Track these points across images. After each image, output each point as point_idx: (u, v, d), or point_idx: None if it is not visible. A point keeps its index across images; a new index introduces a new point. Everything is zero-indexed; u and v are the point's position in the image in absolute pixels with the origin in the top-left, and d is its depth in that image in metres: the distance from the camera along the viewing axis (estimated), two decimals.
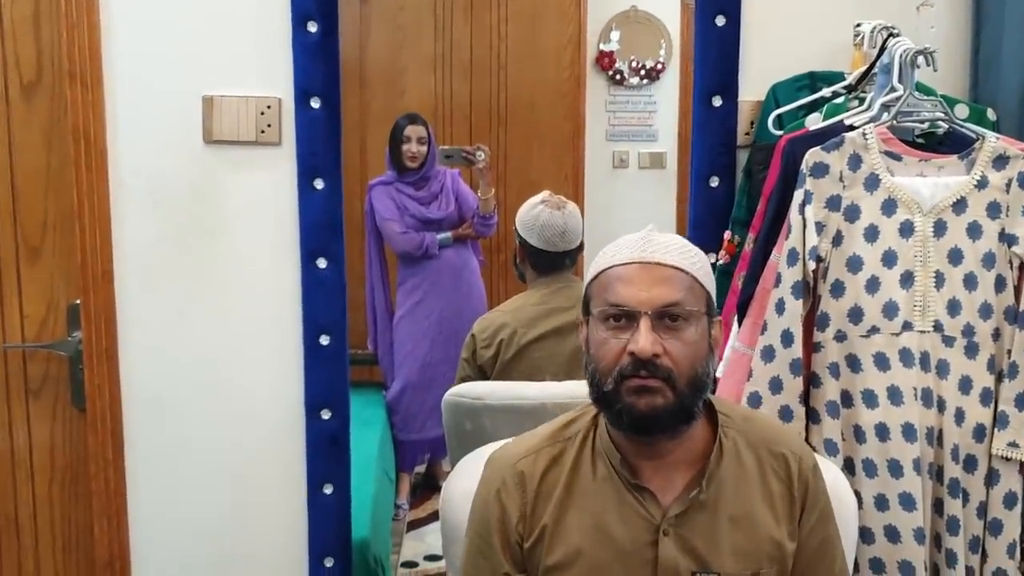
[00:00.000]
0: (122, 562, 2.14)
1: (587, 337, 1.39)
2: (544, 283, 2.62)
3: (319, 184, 2.03)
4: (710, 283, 1.40)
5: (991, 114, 2.06)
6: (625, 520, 1.37)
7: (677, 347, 1.31)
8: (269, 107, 2.03)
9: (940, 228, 1.83)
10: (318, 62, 2.00)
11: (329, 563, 2.14)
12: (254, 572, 2.17)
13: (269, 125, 2.04)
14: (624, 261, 1.35)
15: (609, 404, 1.34)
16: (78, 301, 2.07)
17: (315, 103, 2.01)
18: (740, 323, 1.97)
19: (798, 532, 1.40)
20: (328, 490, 2.12)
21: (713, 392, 1.85)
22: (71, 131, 2.00)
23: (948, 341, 1.84)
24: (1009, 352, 1.85)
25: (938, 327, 1.83)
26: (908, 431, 1.81)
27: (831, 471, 1.76)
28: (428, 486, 4.07)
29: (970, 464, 1.85)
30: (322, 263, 2.05)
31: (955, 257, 1.84)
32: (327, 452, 2.11)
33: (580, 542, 1.37)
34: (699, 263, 1.39)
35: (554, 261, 2.60)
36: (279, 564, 2.17)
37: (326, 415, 2.10)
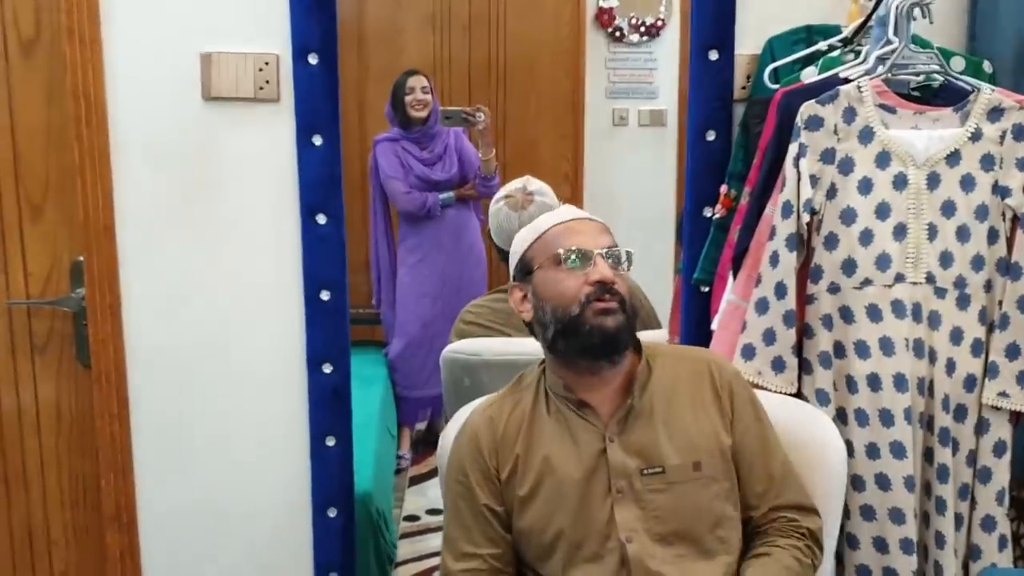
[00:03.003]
0: (129, 515, 2.17)
1: (532, 292, 1.64)
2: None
3: (317, 140, 2.04)
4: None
5: (987, 66, 2.06)
6: (576, 438, 1.60)
7: (620, 282, 1.60)
8: (267, 63, 2.04)
9: (933, 180, 1.85)
10: (315, 18, 2.00)
11: (332, 513, 2.18)
12: (259, 523, 2.21)
13: (268, 81, 2.04)
14: (564, 219, 1.65)
15: (576, 328, 1.57)
16: (81, 258, 2.09)
17: (313, 59, 2.01)
18: (735, 276, 1.99)
19: (732, 429, 1.62)
20: (330, 442, 2.15)
21: (708, 344, 1.94)
22: (70, 89, 2.01)
23: (940, 293, 1.86)
24: (1000, 303, 1.87)
25: (930, 279, 1.85)
26: (899, 381, 1.84)
27: (821, 420, 1.80)
28: (429, 442, 4.11)
29: (960, 414, 1.88)
30: (321, 219, 2.07)
31: (948, 209, 1.85)
32: (329, 405, 2.14)
33: (544, 467, 1.59)
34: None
35: None
36: (283, 514, 2.20)
37: (327, 369, 2.13)
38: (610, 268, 1.58)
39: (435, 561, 3.24)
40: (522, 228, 2.37)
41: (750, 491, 1.62)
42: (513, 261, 1.71)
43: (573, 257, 1.58)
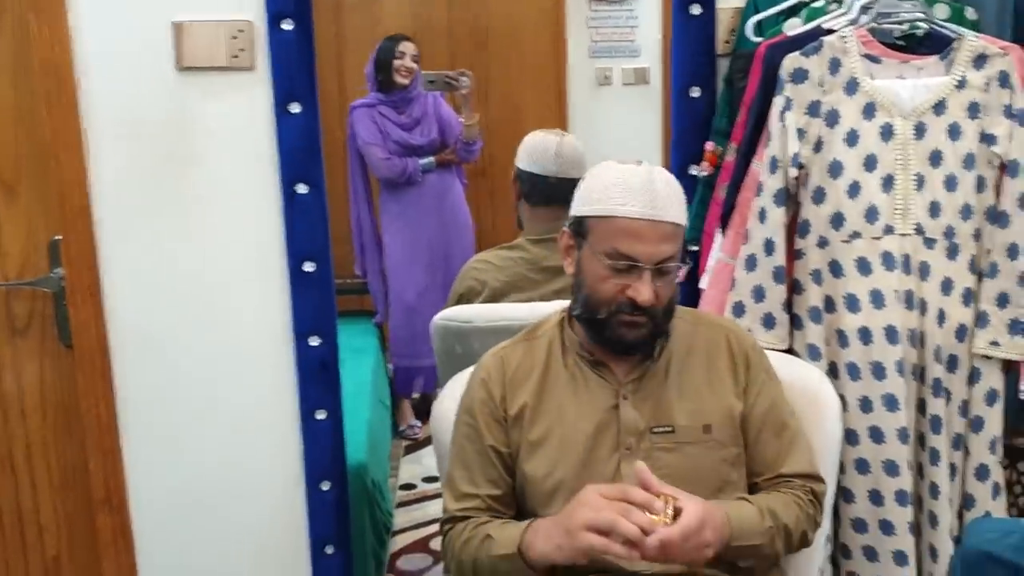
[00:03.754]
0: (119, 496, 2.15)
1: (580, 259, 1.59)
2: (538, 227, 2.37)
3: (295, 108, 2.00)
4: (687, 217, 1.61)
5: (971, 13, 2.02)
6: (592, 392, 1.60)
7: (664, 289, 1.54)
8: (241, 31, 1.99)
9: (920, 130, 1.83)
10: None
11: (326, 487, 2.16)
12: (252, 499, 2.19)
13: (242, 49, 2.00)
14: (634, 216, 1.52)
15: (599, 328, 1.56)
16: (58, 237, 2.06)
17: (287, 25, 1.97)
18: (723, 234, 1.98)
19: (745, 397, 1.61)
20: (321, 415, 2.14)
21: (698, 303, 1.92)
22: (38, 64, 1.96)
23: (929, 243, 1.85)
24: (989, 252, 1.86)
25: (919, 229, 1.84)
26: (891, 333, 1.83)
27: (814, 375, 1.79)
28: (424, 411, 4.11)
29: (952, 364, 1.88)
30: (302, 189, 2.03)
31: (935, 159, 1.83)
32: (318, 378, 2.12)
33: (556, 417, 1.59)
34: (683, 205, 1.58)
35: (546, 191, 2.34)
36: (276, 490, 2.19)
37: (314, 341, 2.10)
38: (653, 286, 1.51)
39: (433, 528, 3.24)
40: (564, 148, 2.35)
41: (758, 459, 1.61)
42: (574, 206, 1.61)
43: (621, 264, 1.52)
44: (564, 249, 1.64)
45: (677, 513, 1.39)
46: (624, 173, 1.55)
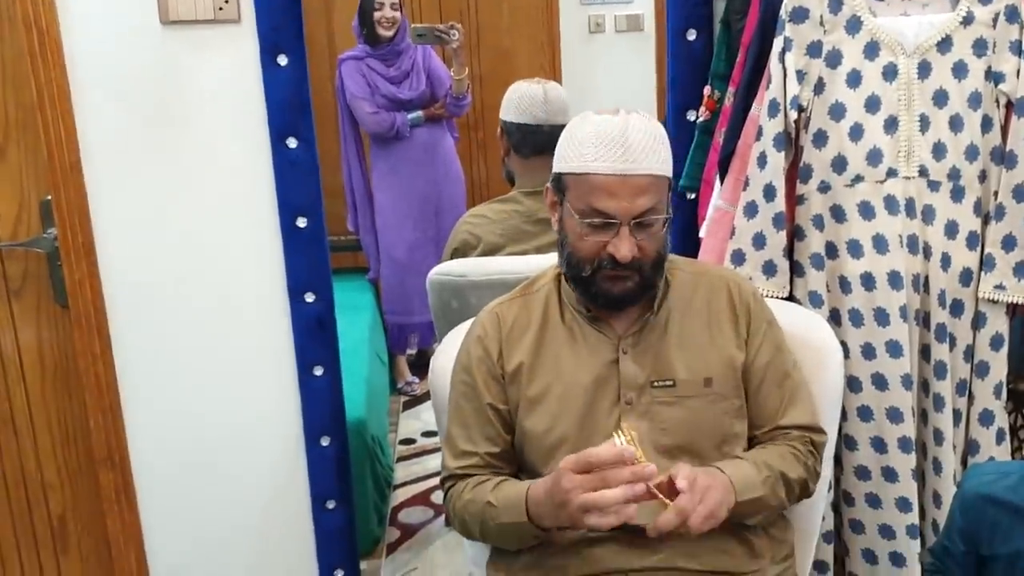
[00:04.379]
0: (121, 454, 2.15)
1: (561, 217, 1.56)
2: (532, 178, 2.32)
3: (282, 60, 1.96)
4: (671, 166, 1.55)
5: None
6: (591, 347, 1.58)
7: (647, 242, 1.50)
8: None
9: (924, 69, 1.79)
10: None
11: (325, 443, 2.16)
12: (252, 456, 2.19)
13: (227, 2, 1.95)
14: (606, 172, 1.47)
15: (585, 286, 1.54)
16: (49, 197, 2.03)
17: None
18: (722, 180, 1.95)
19: (746, 347, 1.58)
20: (319, 371, 2.13)
21: (697, 252, 1.89)
22: (21, 20, 1.92)
23: (933, 186, 1.82)
24: (996, 194, 1.83)
25: (923, 172, 1.81)
26: (894, 279, 1.81)
27: (816, 322, 1.77)
28: (421, 365, 4.10)
29: (957, 309, 1.86)
30: (292, 143, 2.00)
31: (940, 99, 1.79)
32: (314, 335, 2.11)
33: (555, 373, 1.57)
34: (665, 153, 1.52)
35: (538, 140, 2.29)
36: (276, 446, 2.19)
37: (310, 298, 2.08)
38: (634, 240, 1.47)
39: (433, 482, 3.25)
40: (549, 96, 2.32)
41: (759, 411, 1.59)
42: (555, 163, 1.58)
43: (597, 221, 1.49)
44: (549, 205, 1.61)
45: (672, 490, 1.38)
46: (599, 126, 1.50)
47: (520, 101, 2.35)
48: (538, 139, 2.30)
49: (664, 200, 1.52)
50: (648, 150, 1.48)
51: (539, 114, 2.32)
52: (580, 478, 1.37)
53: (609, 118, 1.50)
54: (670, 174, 1.54)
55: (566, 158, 1.53)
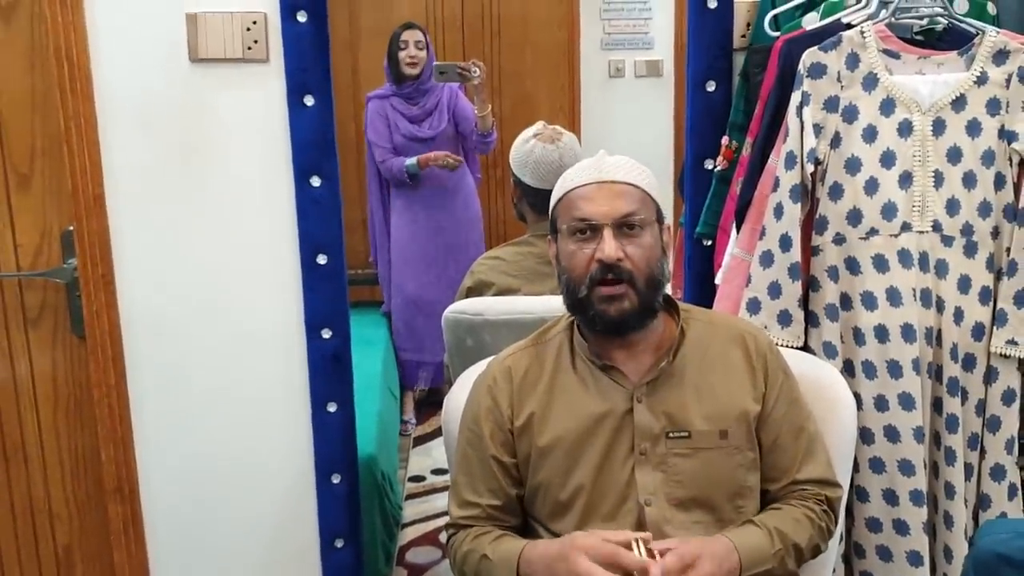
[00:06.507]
0: (130, 486, 2.15)
1: (557, 252, 1.60)
2: (544, 225, 2.26)
3: (309, 101, 1.99)
4: (657, 194, 1.60)
5: (991, 8, 2.00)
6: (604, 397, 1.56)
7: (636, 251, 1.52)
8: (255, 23, 1.98)
9: (939, 126, 1.81)
10: None
11: (336, 480, 2.16)
12: (262, 491, 2.19)
13: (256, 41, 1.99)
14: (583, 182, 1.56)
15: (584, 309, 1.55)
16: (71, 227, 2.06)
17: (301, 16, 1.96)
18: (739, 229, 1.96)
19: (763, 400, 1.57)
20: (332, 408, 2.13)
21: (713, 298, 1.90)
22: (53, 53, 1.96)
23: (947, 241, 1.83)
24: (1008, 250, 1.84)
25: (937, 227, 1.82)
26: (907, 332, 1.81)
27: (829, 373, 1.77)
28: (433, 403, 4.10)
29: (969, 363, 1.86)
30: (316, 181, 2.02)
31: (954, 155, 1.81)
32: (329, 370, 2.12)
33: (566, 424, 1.56)
34: (646, 177, 1.59)
35: None
36: (287, 482, 2.19)
37: (327, 334, 2.10)
38: (618, 243, 1.51)
39: (442, 521, 3.23)
40: (565, 160, 2.32)
41: (775, 464, 1.58)
42: (550, 212, 1.65)
43: (582, 229, 1.53)
44: (552, 255, 1.64)
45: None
46: (580, 162, 1.62)
47: (537, 168, 2.38)
48: None
49: (649, 214, 1.56)
50: (624, 168, 1.58)
51: (554, 180, 2.31)
52: (596, 567, 1.39)
53: (588, 159, 1.62)
54: (653, 194, 1.58)
55: (555, 194, 1.62)
